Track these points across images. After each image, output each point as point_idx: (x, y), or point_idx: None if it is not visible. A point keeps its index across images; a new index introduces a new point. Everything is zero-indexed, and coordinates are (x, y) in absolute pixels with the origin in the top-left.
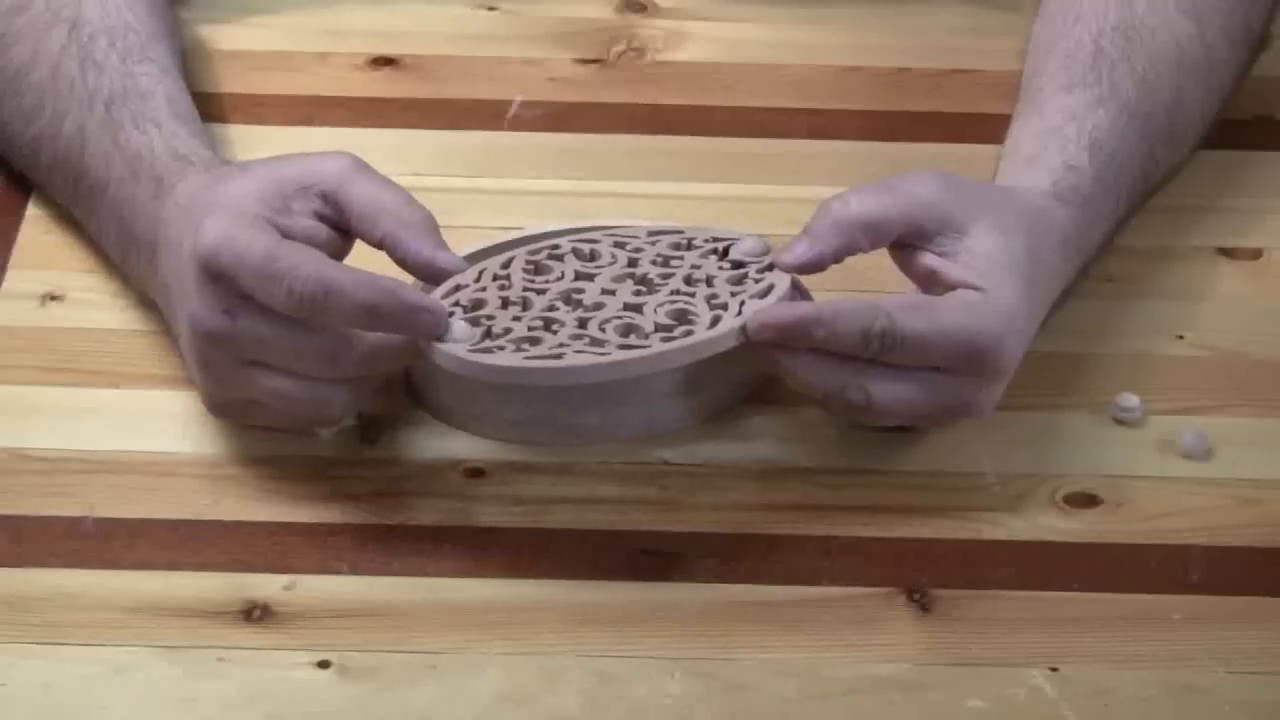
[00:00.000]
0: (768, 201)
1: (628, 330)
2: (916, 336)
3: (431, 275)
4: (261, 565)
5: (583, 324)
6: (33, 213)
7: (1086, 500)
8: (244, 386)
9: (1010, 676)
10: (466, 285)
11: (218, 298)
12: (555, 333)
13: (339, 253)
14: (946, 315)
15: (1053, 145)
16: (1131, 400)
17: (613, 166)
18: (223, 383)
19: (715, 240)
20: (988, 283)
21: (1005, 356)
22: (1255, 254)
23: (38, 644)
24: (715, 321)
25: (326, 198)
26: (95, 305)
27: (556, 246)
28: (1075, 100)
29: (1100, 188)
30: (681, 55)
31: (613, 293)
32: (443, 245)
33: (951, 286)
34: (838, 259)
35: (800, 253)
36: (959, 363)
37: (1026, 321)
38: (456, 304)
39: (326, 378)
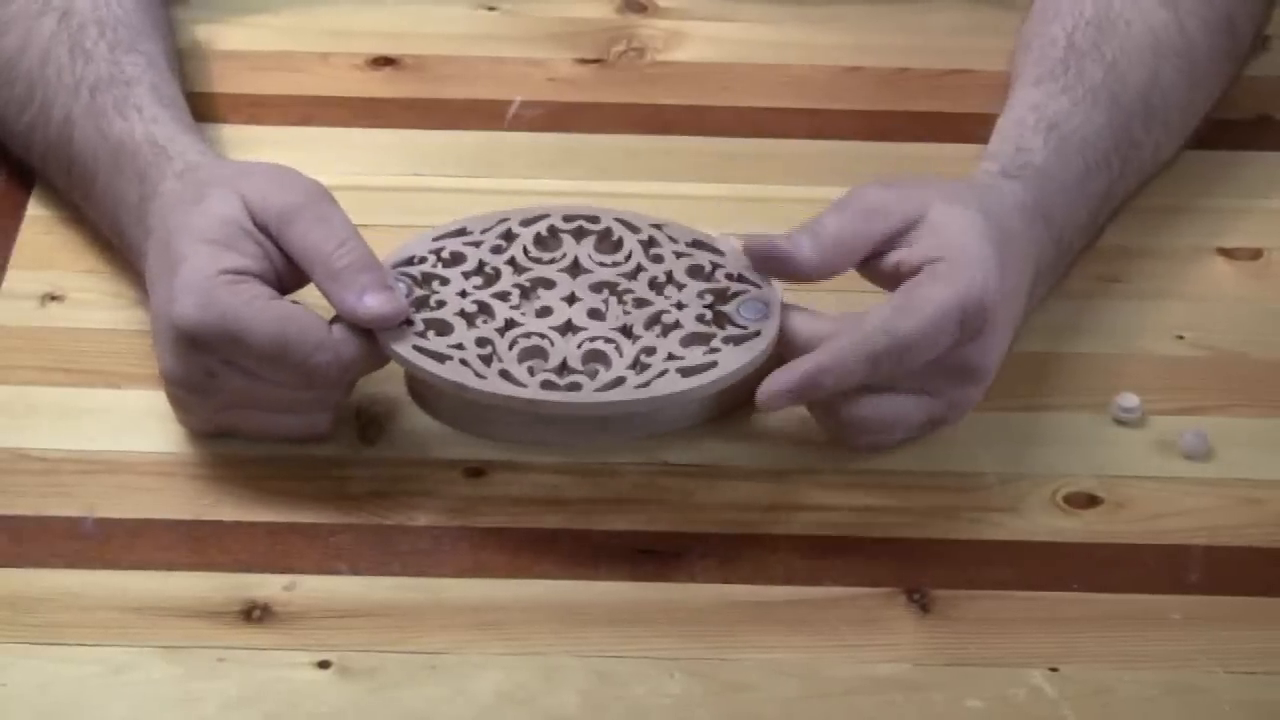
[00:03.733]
0: (768, 201)
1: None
2: (919, 334)
3: (364, 324)
4: (261, 565)
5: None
6: (33, 213)
7: (1086, 500)
8: (225, 424)
9: (1010, 676)
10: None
11: (198, 362)
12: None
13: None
14: (929, 299)
15: (1010, 135)
16: (1131, 400)
17: (613, 166)
18: (201, 420)
19: (740, 280)
20: (949, 251)
21: (990, 305)
22: (1255, 254)
23: (38, 644)
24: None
25: (273, 237)
26: (95, 305)
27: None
28: (1040, 93)
29: (1058, 159)
30: (681, 55)
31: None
32: (370, 288)
33: (916, 268)
34: (816, 279)
35: (804, 244)
36: (957, 332)
37: (1001, 272)
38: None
39: (307, 411)
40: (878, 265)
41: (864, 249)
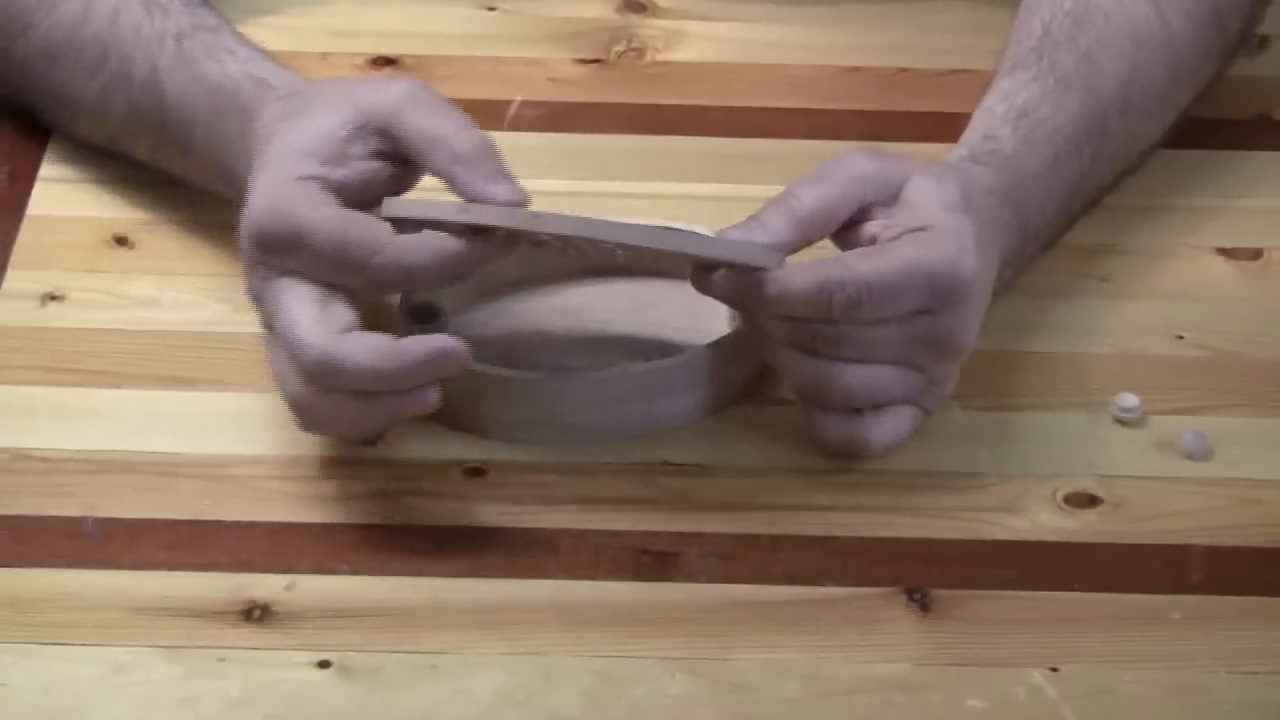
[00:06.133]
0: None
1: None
2: (876, 278)
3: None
4: (261, 565)
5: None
6: (33, 213)
7: (1086, 500)
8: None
9: (1010, 676)
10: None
11: (273, 266)
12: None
13: (403, 186)
14: (899, 252)
15: (980, 123)
16: (1131, 400)
17: (613, 166)
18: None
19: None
20: (928, 223)
21: (967, 279)
22: (1255, 254)
23: (38, 644)
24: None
25: (383, 133)
26: (95, 305)
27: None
28: (1012, 81)
29: (1026, 147)
30: (681, 55)
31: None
32: (496, 176)
33: (895, 238)
34: (790, 253)
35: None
36: (924, 296)
37: (979, 248)
38: None
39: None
40: (855, 235)
41: (844, 215)
